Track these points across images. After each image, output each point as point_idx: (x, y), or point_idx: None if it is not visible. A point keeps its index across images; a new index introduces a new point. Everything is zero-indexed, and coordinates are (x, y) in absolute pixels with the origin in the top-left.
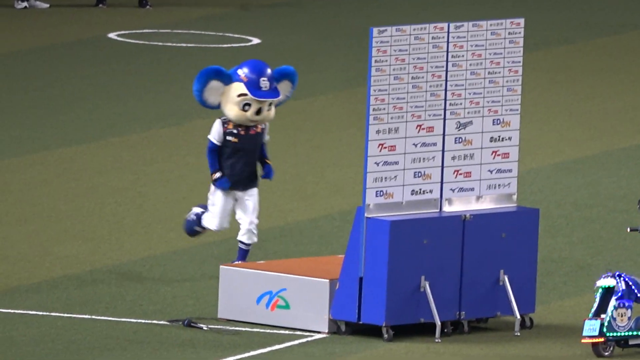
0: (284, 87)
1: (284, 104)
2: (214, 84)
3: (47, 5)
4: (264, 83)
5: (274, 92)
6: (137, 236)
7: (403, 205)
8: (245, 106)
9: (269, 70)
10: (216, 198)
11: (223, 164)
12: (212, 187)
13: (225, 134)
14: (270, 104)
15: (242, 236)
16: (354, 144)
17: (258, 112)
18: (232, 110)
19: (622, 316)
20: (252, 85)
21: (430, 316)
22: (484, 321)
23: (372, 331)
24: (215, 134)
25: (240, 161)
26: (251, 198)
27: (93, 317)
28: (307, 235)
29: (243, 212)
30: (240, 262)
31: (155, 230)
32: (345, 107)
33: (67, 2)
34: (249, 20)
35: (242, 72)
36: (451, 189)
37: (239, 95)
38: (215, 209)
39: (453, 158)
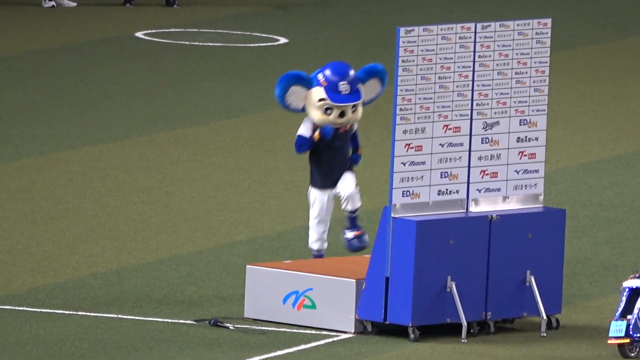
0: (372, 85)
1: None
2: (295, 88)
3: (75, 4)
4: (344, 87)
5: (354, 95)
6: (164, 235)
7: (429, 205)
8: (327, 110)
9: (351, 72)
10: (312, 195)
11: (313, 163)
12: (309, 189)
13: (314, 131)
14: (354, 106)
15: (345, 205)
16: (380, 143)
17: (341, 114)
18: (315, 114)
19: None
20: (331, 90)
21: (457, 316)
22: (510, 321)
23: (398, 331)
24: (304, 129)
25: (330, 160)
26: (345, 176)
27: (120, 316)
28: (333, 235)
29: (339, 187)
30: (356, 231)
31: (181, 229)
32: (372, 107)
33: (95, 0)
34: (276, 19)
35: (322, 76)
36: (478, 190)
37: (319, 100)
38: (314, 211)
39: (480, 158)
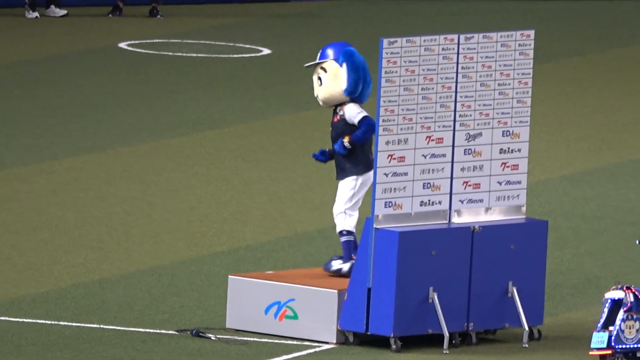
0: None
1: None
2: None
3: (65, 12)
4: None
5: (318, 58)
6: (146, 246)
7: (412, 216)
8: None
9: (336, 48)
10: None
11: None
12: None
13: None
14: (319, 79)
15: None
16: None
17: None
18: None
19: (630, 328)
20: None
21: (439, 327)
22: (492, 332)
23: (380, 342)
24: None
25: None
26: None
27: (101, 326)
28: (315, 246)
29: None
30: (345, 262)
31: (163, 239)
32: None
33: (79, 11)
34: (260, 30)
35: None
36: (460, 200)
37: None
38: None
39: (462, 169)
